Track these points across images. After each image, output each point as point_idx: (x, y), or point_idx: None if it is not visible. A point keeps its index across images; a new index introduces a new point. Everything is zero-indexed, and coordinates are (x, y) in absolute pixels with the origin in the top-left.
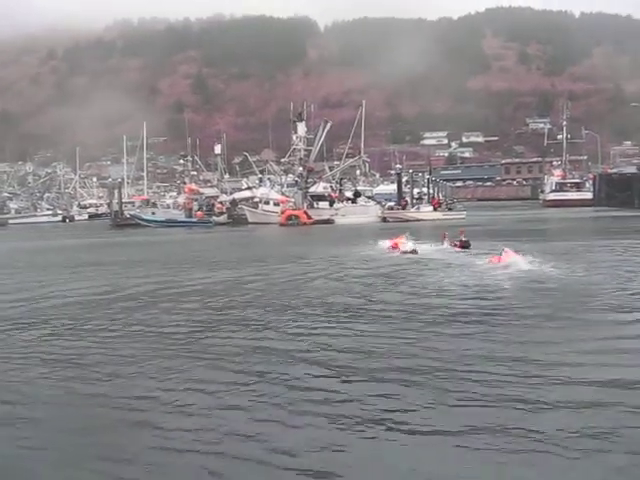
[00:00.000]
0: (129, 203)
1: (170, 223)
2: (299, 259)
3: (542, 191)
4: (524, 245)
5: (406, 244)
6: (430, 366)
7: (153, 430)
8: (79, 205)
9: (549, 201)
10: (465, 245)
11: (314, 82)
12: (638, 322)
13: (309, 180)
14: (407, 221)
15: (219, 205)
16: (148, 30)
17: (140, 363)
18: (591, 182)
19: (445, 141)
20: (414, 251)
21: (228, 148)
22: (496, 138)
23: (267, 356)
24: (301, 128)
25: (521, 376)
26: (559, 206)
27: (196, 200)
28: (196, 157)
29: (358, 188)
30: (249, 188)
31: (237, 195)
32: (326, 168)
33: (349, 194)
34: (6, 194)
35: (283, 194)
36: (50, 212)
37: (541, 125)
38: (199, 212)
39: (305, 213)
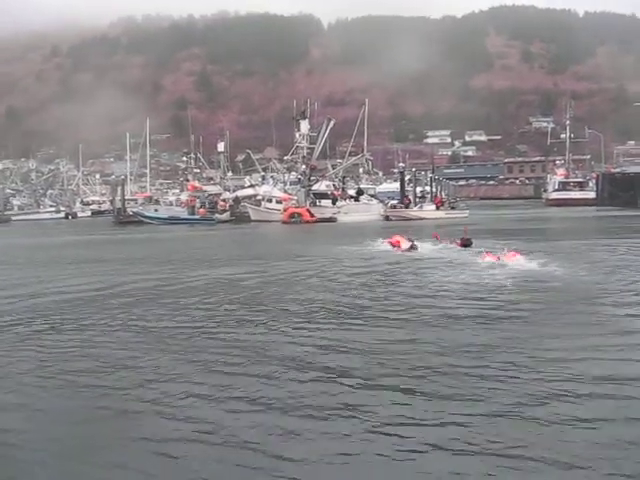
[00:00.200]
0: (132, 200)
1: (173, 220)
2: (300, 257)
3: (545, 190)
4: (526, 244)
5: (406, 242)
6: (431, 362)
7: (153, 422)
8: (82, 202)
9: (552, 200)
10: (467, 243)
11: (317, 80)
12: None
13: (312, 178)
14: (410, 220)
15: (222, 203)
16: (152, 27)
17: (138, 357)
18: (594, 181)
19: (448, 140)
20: (414, 247)
21: (231, 146)
22: (499, 137)
23: (260, 353)
24: (304, 126)
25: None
26: (562, 205)
27: (199, 197)
28: (199, 154)
29: (361, 186)
30: (252, 186)
31: (240, 193)
32: (329, 166)
33: (352, 192)
34: (9, 190)
35: (286, 192)
36: (53, 209)
37: (544, 124)
38: (202, 209)
39: (308, 211)
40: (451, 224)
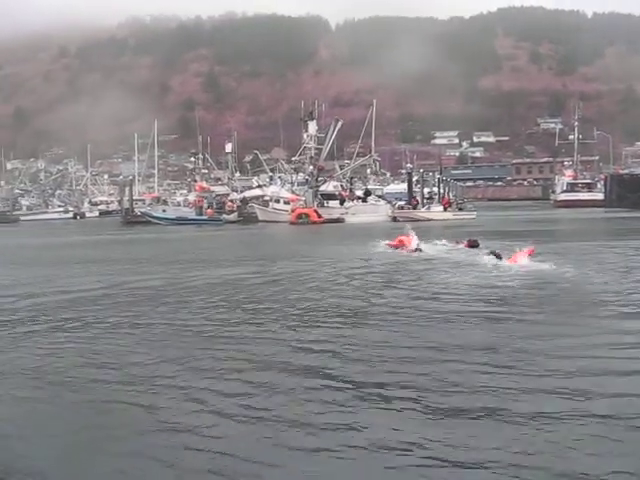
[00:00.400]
0: (140, 200)
1: (180, 221)
2: (306, 257)
3: (553, 191)
4: (535, 245)
5: (412, 241)
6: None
7: (156, 417)
8: (90, 202)
9: (560, 201)
10: (474, 244)
11: (325, 81)
12: None
13: (319, 179)
14: (417, 221)
15: (229, 203)
16: (160, 28)
17: (141, 354)
18: (602, 183)
19: (456, 141)
20: (418, 249)
21: (239, 146)
22: (507, 138)
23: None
24: (312, 127)
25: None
26: (570, 207)
27: (206, 198)
28: (207, 155)
29: (368, 187)
30: (259, 186)
31: (247, 193)
32: (337, 167)
33: (359, 193)
34: (18, 191)
35: (293, 193)
36: (61, 209)
37: (552, 125)
38: (209, 210)
39: (315, 212)
40: (458, 225)
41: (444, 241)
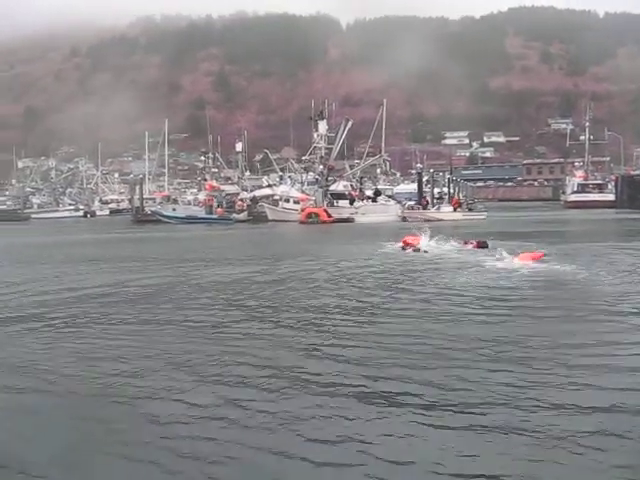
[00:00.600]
0: (150, 199)
1: (190, 220)
2: (315, 257)
3: (564, 192)
4: (546, 246)
5: (421, 242)
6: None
7: (159, 418)
8: (100, 201)
9: (570, 202)
10: (482, 245)
11: (335, 80)
12: None
13: (329, 178)
14: (427, 221)
15: (239, 202)
16: (171, 27)
17: (146, 353)
18: (613, 184)
19: (466, 141)
20: (425, 250)
21: (249, 146)
22: (517, 138)
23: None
24: (322, 126)
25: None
26: (581, 207)
27: (216, 197)
28: (217, 154)
29: (378, 187)
30: (269, 186)
31: (257, 192)
32: (347, 167)
33: (369, 193)
34: (29, 189)
35: (303, 192)
36: (72, 207)
37: (563, 125)
38: (219, 209)
39: (325, 211)
40: (468, 226)
41: (452, 242)
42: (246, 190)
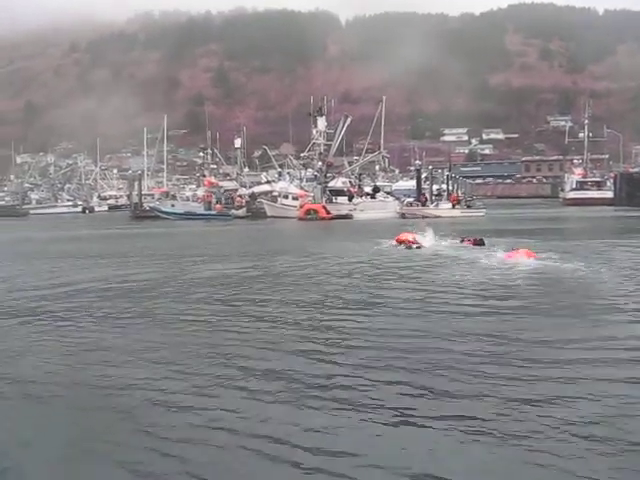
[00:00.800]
0: (149, 195)
1: (189, 216)
2: (312, 253)
3: (562, 189)
4: (544, 243)
5: (418, 239)
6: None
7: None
8: (99, 196)
9: (569, 199)
10: (479, 242)
11: (334, 77)
12: None
13: (328, 175)
14: (425, 217)
15: (238, 198)
16: (170, 23)
17: (141, 350)
18: (612, 181)
19: (465, 138)
20: (421, 246)
21: (248, 142)
22: (516, 135)
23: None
24: (321, 123)
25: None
26: (579, 205)
27: (215, 193)
28: (216, 150)
29: (377, 183)
30: (268, 182)
31: (256, 189)
32: (345, 163)
33: (368, 189)
34: (27, 185)
35: (302, 188)
36: (70, 203)
37: (562, 123)
38: (218, 205)
39: (324, 208)
40: (467, 222)
41: (449, 239)
42: (245, 186)
